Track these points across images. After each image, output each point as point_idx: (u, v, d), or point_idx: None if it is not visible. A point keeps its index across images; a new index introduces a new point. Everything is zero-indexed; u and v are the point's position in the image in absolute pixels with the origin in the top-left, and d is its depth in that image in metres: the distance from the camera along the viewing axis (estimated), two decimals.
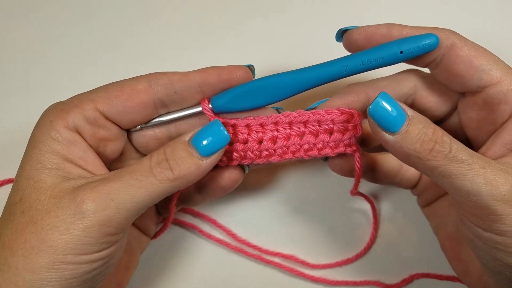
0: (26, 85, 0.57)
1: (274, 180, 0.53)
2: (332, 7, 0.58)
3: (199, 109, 0.40)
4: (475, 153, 0.34)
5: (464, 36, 0.38)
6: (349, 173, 0.42)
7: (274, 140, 0.40)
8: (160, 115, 0.41)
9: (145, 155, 0.43)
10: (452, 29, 0.38)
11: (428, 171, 0.34)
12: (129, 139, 0.42)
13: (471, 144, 0.42)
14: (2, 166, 0.53)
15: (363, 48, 0.39)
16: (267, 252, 0.51)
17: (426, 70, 0.41)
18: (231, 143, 0.40)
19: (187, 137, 0.36)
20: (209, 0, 0.59)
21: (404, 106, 0.35)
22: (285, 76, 0.38)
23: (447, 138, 0.34)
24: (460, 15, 0.57)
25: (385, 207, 0.52)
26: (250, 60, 0.56)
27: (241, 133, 0.40)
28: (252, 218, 0.52)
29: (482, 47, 0.38)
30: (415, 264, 0.50)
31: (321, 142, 0.41)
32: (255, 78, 0.40)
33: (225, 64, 0.56)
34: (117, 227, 0.34)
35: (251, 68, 0.40)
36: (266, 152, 0.40)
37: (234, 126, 0.40)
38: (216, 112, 0.40)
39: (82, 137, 0.37)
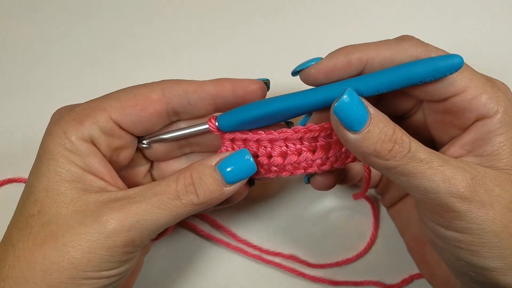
0: (26, 85, 0.57)
1: (275, 180, 0.53)
2: (333, 7, 0.58)
3: (206, 126, 0.39)
4: (434, 151, 0.34)
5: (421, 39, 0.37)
6: (330, 187, 0.42)
7: (283, 155, 0.39)
8: (169, 131, 0.41)
9: (152, 160, 0.44)
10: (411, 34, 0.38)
11: (386, 171, 0.34)
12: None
13: (434, 142, 0.41)
14: (2, 166, 0.53)
15: (324, 83, 0.37)
16: (267, 252, 0.51)
17: None
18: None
19: (214, 162, 0.36)
20: (209, 0, 0.59)
21: (367, 103, 0.34)
22: (298, 99, 0.37)
23: (406, 137, 0.33)
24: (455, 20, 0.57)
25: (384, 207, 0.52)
26: (250, 59, 0.57)
27: (251, 148, 0.39)
28: (252, 218, 0.52)
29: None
30: (415, 264, 0.50)
31: (334, 156, 0.39)
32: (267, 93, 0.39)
33: (225, 64, 0.57)
34: (140, 245, 0.35)
35: (266, 82, 0.40)
36: (275, 168, 0.39)
37: (245, 140, 0.39)
38: (223, 131, 0.39)
39: (97, 148, 0.37)
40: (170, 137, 0.40)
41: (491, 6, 0.57)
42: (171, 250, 0.52)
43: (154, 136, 0.41)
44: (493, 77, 0.38)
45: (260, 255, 0.50)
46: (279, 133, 0.39)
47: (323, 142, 0.39)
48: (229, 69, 0.55)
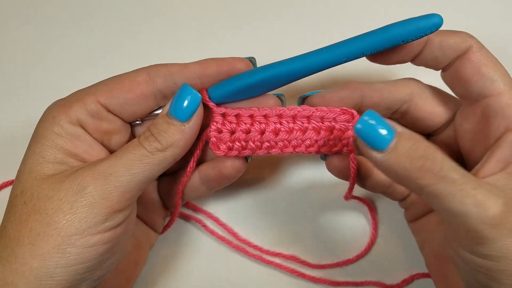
0: (26, 85, 0.56)
1: (275, 180, 0.53)
2: (333, 8, 0.58)
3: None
4: (467, 173, 0.33)
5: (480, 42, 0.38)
6: (346, 176, 0.42)
7: (276, 132, 0.41)
8: (160, 108, 0.41)
9: None
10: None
11: (417, 190, 0.33)
12: (133, 134, 0.43)
13: (464, 159, 0.41)
14: (2, 167, 0.53)
15: None
16: (267, 252, 0.51)
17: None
18: (233, 132, 0.40)
19: (165, 110, 0.38)
20: (209, 0, 0.59)
21: (393, 123, 0.35)
22: (286, 66, 0.38)
23: (439, 155, 0.33)
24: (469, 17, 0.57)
25: (385, 207, 0.52)
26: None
27: (244, 123, 0.40)
28: (253, 217, 0.52)
29: (495, 57, 0.37)
30: (415, 264, 0.50)
31: (322, 139, 0.41)
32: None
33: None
34: (120, 203, 0.35)
35: (252, 60, 0.40)
36: (267, 144, 0.41)
37: (237, 116, 0.40)
38: (216, 103, 0.40)
39: (86, 131, 0.38)
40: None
41: (493, 4, 0.57)
42: (172, 245, 0.51)
43: (149, 115, 0.41)
44: None
45: (261, 256, 0.51)
46: (272, 110, 0.40)
47: (315, 125, 0.41)
48: None
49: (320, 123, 0.41)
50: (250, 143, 0.40)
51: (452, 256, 0.37)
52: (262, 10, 0.58)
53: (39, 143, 0.36)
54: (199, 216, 0.52)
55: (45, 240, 0.32)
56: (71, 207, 0.33)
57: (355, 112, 0.40)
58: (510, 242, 0.32)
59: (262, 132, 0.40)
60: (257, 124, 0.40)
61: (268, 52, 0.56)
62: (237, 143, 0.41)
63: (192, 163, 0.42)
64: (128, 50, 0.58)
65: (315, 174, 0.53)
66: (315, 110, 0.40)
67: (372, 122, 0.33)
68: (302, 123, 0.41)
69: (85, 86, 0.56)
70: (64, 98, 0.39)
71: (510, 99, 0.36)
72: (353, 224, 0.52)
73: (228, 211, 0.53)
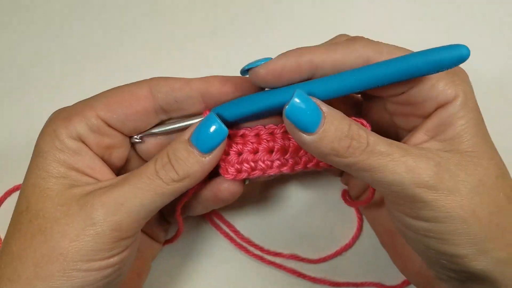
0: (27, 85, 0.57)
1: (276, 181, 0.53)
2: (333, 12, 0.57)
3: (196, 120, 0.38)
4: (395, 142, 0.33)
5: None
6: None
7: (285, 149, 0.39)
8: (161, 124, 0.40)
9: None
10: None
11: (347, 168, 0.33)
12: (133, 146, 0.42)
13: (398, 131, 0.40)
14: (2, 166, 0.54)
15: (274, 85, 0.36)
16: (268, 252, 0.51)
17: None
18: (240, 153, 0.39)
19: (186, 136, 0.36)
20: (209, 1, 0.57)
21: (319, 102, 0.33)
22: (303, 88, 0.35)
23: (363, 132, 0.32)
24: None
25: None
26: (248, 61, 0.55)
27: (251, 142, 0.39)
28: (255, 217, 0.53)
29: (401, 48, 0.35)
30: None
31: (291, 158, 0.39)
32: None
33: (226, 66, 0.55)
34: (128, 231, 0.34)
35: None
36: (278, 162, 0.39)
37: (243, 136, 0.39)
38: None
39: (87, 146, 0.37)
40: (160, 131, 0.40)
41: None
42: (173, 245, 0.52)
43: (146, 130, 0.40)
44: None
45: (262, 256, 0.51)
46: (278, 127, 0.39)
47: (282, 143, 0.38)
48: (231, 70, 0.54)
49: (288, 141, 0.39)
50: (260, 163, 0.39)
51: (399, 227, 0.37)
52: (261, 10, 0.57)
53: (42, 157, 0.36)
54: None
55: (50, 263, 0.32)
56: (78, 235, 0.33)
57: (364, 122, 0.37)
58: (451, 200, 0.32)
59: (271, 151, 0.39)
60: (264, 142, 0.38)
61: (268, 54, 0.55)
62: (246, 164, 0.39)
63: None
64: (129, 50, 0.57)
65: (317, 174, 0.52)
66: (277, 127, 0.38)
67: (302, 106, 0.32)
68: (278, 142, 0.39)
69: (86, 86, 0.57)
70: (65, 109, 0.38)
71: (430, 80, 0.34)
72: (354, 224, 0.52)
73: (232, 210, 0.53)
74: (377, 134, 0.33)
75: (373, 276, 0.50)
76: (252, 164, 0.39)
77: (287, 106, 0.32)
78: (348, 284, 0.50)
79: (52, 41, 0.58)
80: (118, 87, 0.38)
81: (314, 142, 0.32)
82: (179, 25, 0.58)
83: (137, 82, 0.38)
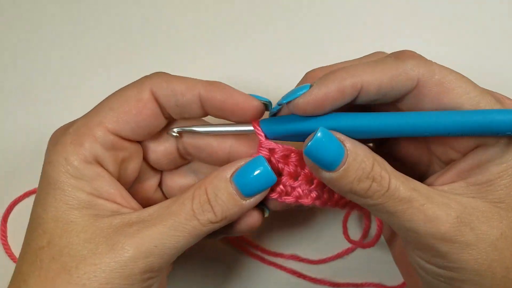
0: (26, 85, 0.57)
1: None
2: (335, 17, 0.56)
3: (250, 128, 0.36)
4: (418, 185, 0.32)
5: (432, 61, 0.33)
6: None
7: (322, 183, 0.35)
8: (204, 125, 0.38)
9: (160, 171, 0.42)
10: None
11: (365, 206, 0.33)
12: (145, 154, 0.40)
13: (432, 156, 0.38)
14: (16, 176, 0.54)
15: (314, 115, 0.33)
16: (269, 253, 0.52)
17: None
18: (279, 173, 0.36)
19: (228, 173, 0.34)
20: (210, 3, 0.58)
21: (343, 138, 0.31)
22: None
23: (385, 173, 0.31)
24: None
25: None
26: (248, 64, 0.55)
27: (295, 164, 0.35)
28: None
29: (452, 71, 0.32)
30: None
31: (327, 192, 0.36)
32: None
33: (227, 69, 0.56)
34: (159, 271, 0.33)
35: (266, 104, 0.36)
36: (315, 193, 0.36)
37: (287, 156, 0.36)
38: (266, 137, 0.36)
39: (103, 167, 0.35)
40: (204, 131, 0.37)
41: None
42: None
43: (187, 127, 0.38)
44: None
45: (262, 256, 0.52)
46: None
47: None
48: (235, 72, 0.55)
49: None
50: (298, 189, 0.35)
51: (412, 263, 0.36)
52: (262, 13, 0.57)
53: (58, 189, 0.33)
54: None
55: None
56: (107, 277, 0.31)
57: None
58: (467, 254, 0.31)
59: (311, 180, 0.35)
60: (307, 169, 0.35)
61: (268, 57, 0.56)
62: (281, 186, 0.35)
63: None
64: (131, 50, 0.58)
65: None
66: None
67: (322, 142, 0.31)
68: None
69: (85, 86, 0.56)
70: (68, 132, 0.35)
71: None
72: (355, 224, 0.52)
73: None
74: (400, 175, 0.32)
75: (373, 277, 0.50)
76: (289, 189, 0.36)
77: (309, 143, 0.31)
78: (348, 285, 0.50)
79: (52, 41, 0.58)
80: (119, 92, 0.36)
81: (334, 180, 0.31)
82: (182, 28, 0.58)
83: (137, 83, 0.36)
